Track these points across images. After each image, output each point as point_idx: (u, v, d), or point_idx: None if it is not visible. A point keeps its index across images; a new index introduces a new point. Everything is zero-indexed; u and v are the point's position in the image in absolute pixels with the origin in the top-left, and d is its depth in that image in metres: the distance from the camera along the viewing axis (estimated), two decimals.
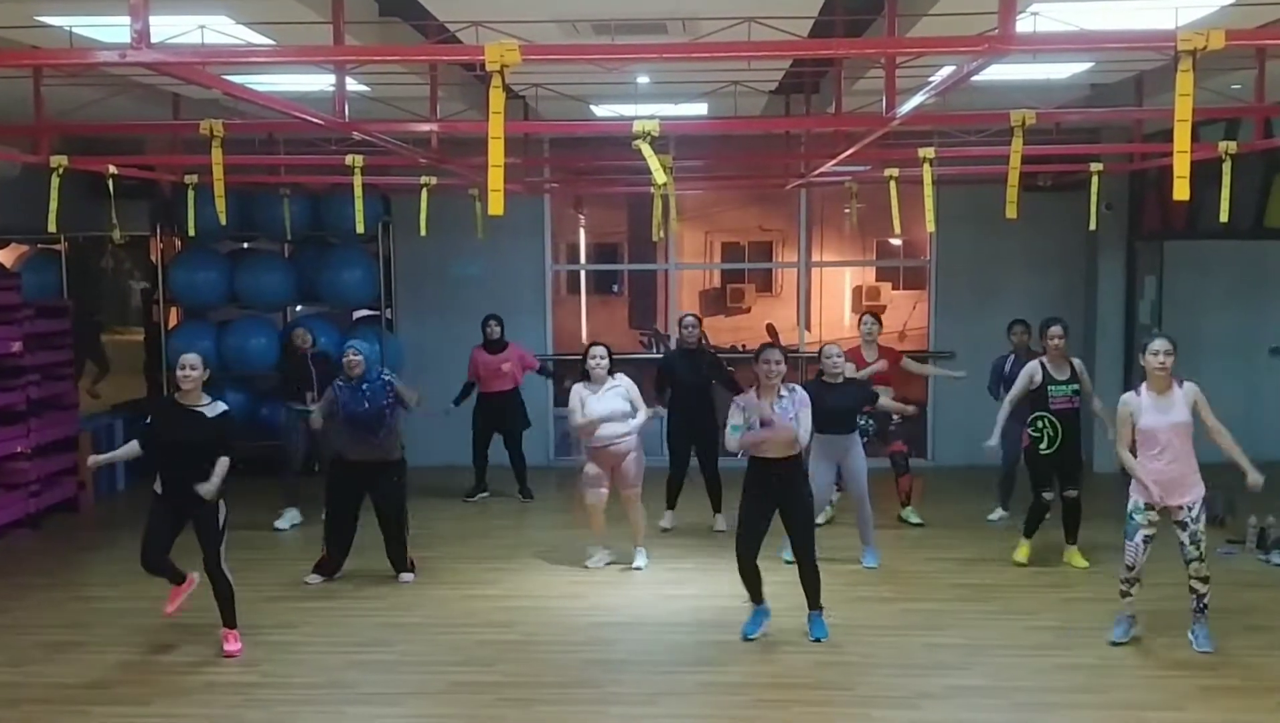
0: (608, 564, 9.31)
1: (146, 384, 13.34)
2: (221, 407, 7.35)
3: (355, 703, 6.70)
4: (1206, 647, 7.23)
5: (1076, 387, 8.98)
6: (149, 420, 7.55)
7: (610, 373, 9.07)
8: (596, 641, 7.72)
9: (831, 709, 6.57)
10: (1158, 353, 7.06)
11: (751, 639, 7.56)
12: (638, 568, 9.22)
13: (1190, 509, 7.11)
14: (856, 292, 20.13)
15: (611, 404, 8.97)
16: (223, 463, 7.17)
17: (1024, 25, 5.72)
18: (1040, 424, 8.99)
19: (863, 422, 10.20)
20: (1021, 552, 9.28)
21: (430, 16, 7.11)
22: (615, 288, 20.36)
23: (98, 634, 7.87)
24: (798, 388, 7.54)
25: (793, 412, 7.35)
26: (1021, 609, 8.22)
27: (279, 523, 10.68)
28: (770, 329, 16.20)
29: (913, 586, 8.86)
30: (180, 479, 7.16)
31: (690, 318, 10.62)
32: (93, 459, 7.78)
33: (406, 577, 9.00)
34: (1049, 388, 8.95)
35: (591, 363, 9.02)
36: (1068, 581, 8.89)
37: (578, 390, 9.08)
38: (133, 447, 7.58)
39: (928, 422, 13.37)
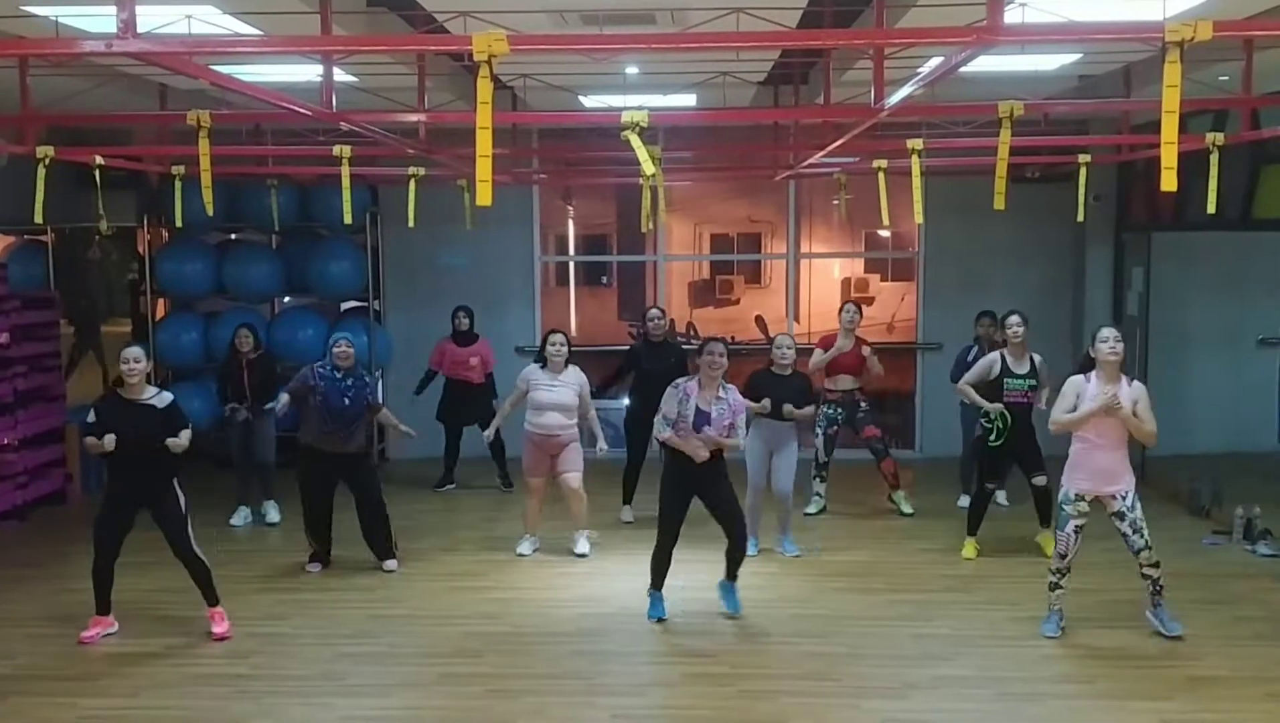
0: (535, 551, 9.42)
1: None
2: (168, 396, 7.44)
3: (344, 695, 6.69)
4: (1176, 629, 7.28)
5: (1034, 382, 8.96)
6: (92, 419, 7.41)
7: (568, 364, 9.15)
8: (584, 632, 7.73)
9: (819, 700, 6.58)
10: (1107, 340, 7.12)
11: (663, 621, 7.76)
12: (582, 555, 9.29)
13: (1124, 498, 7.17)
14: (845, 283, 20.15)
15: (560, 396, 9.06)
16: (185, 433, 7.32)
17: (1012, 16, 5.72)
18: (992, 416, 9.02)
19: (830, 410, 10.26)
20: (968, 548, 9.30)
21: (418, 6, 7.10)
22: (604, 279, 20.37)
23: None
24: (732, 389, 7.66)
25: (729, 418, 7.49)
26: (1008, 600, 8.24)
27: (233, 520, 10.59)
28: (759, 321, 16.24)
29: (900, 577, 8.88)
30: (136, 473, 7.24)
31: (656, 311, 10.65)
32: (90, 441, 7.42)
33: (390, 564, 9.01)
34: (1005, 380, 8.96)
35: (551, 350, 9.08)
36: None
37: (529, 373, 9.17)
38: (109, 439, 7.26)
39: (915, 413, 13.40)
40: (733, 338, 16.09)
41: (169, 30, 6.49)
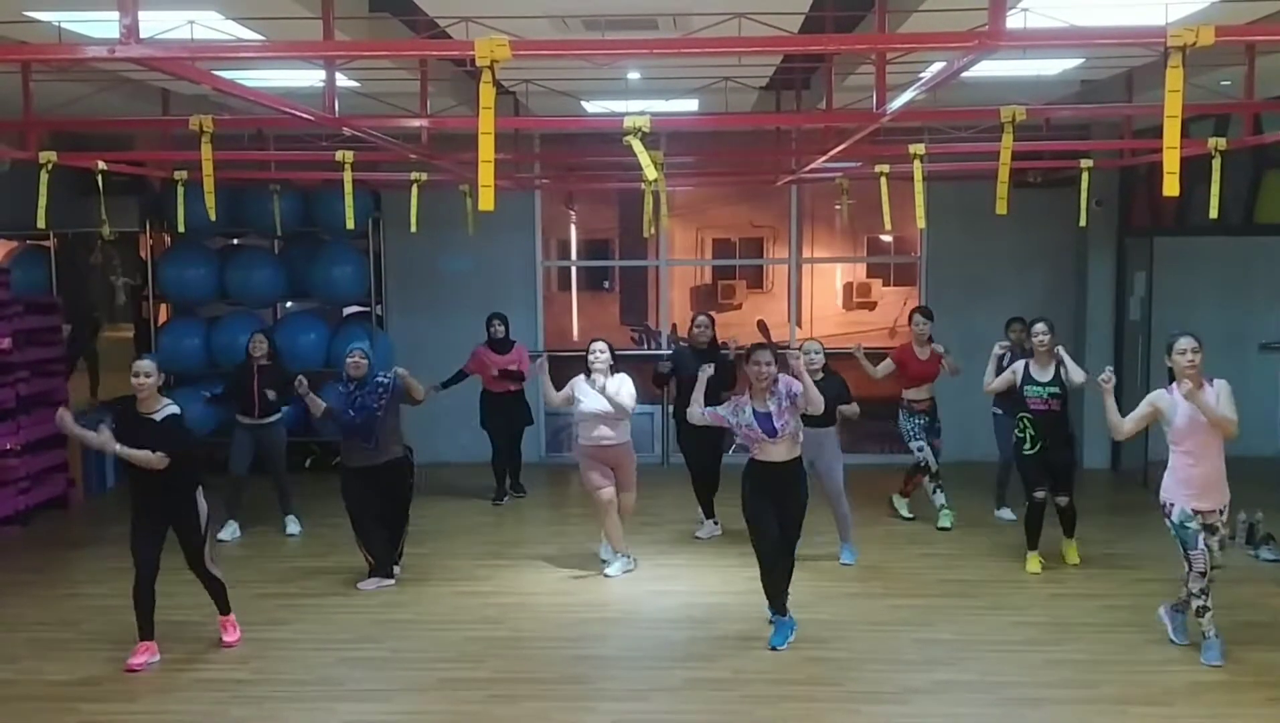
0: (627, 572, 9.06)
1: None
2: (171, 410, 7.14)
3: (345, 700, 6.69)
4: (1181, 639, 7.26)
5: (1056, 390, 8.84)
6: (114, 426, 7.29)
7: (614, 370, 8.86)
8: (586, 637, 7.73)
9: (820, 705, 6.57)
10: (1185, 351, 6.82)
11: (778, 650, 7.40)
12: (609, 575, 9.00)
13: (1221, 513, 7.01)
14: (847, 288, 20.17)
15: (599, 405, 8.76)
16: (145, 455, 6.93)
17: (1014, 21, 5.72)
18: (1023, 424, 8.98)
19: (921, 420, 10.25)
20: (1031, 563, 9.06)
21: (420, 11, 7.10)
22: (606, 284, 20.36)
23: (87, 631, 7.86)
24: (780, 377, 7.39)
25: (788, 400, 7.25)
26: (1010, 605, 8.24)
27: (221, 534, 10.03)
28: (761, 326, 16.24)
29: (902, 582, 8.87)
30: (152, 488, 7.08)
31: (704, 318, 10.43)
32: (62, 412, 7.32)
33: (386, 582, 8.79)
34: (1025, 388, 8.91)
35: (592, 358, 8.83)
36: (1057, 577, 8.90)
37: (577, 382, 8.93)
38: (101, 437, 7.12)
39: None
40: (734, 342, 16.10)
41: (171, 36, 6.50)
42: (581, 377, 8.93)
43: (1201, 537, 6.97)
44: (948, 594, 8.53)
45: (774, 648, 7.37)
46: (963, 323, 12.73)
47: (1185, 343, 6.84)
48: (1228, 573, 8.85)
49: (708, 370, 7.88)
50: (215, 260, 13.00)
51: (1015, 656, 7.26)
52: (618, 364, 8.98)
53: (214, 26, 6.78)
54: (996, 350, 9.57)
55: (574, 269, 18.98)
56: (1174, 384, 6.94)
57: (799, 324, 14.36)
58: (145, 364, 7.14)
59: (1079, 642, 7.45)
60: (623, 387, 8.84)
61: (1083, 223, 9.47)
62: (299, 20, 6.52)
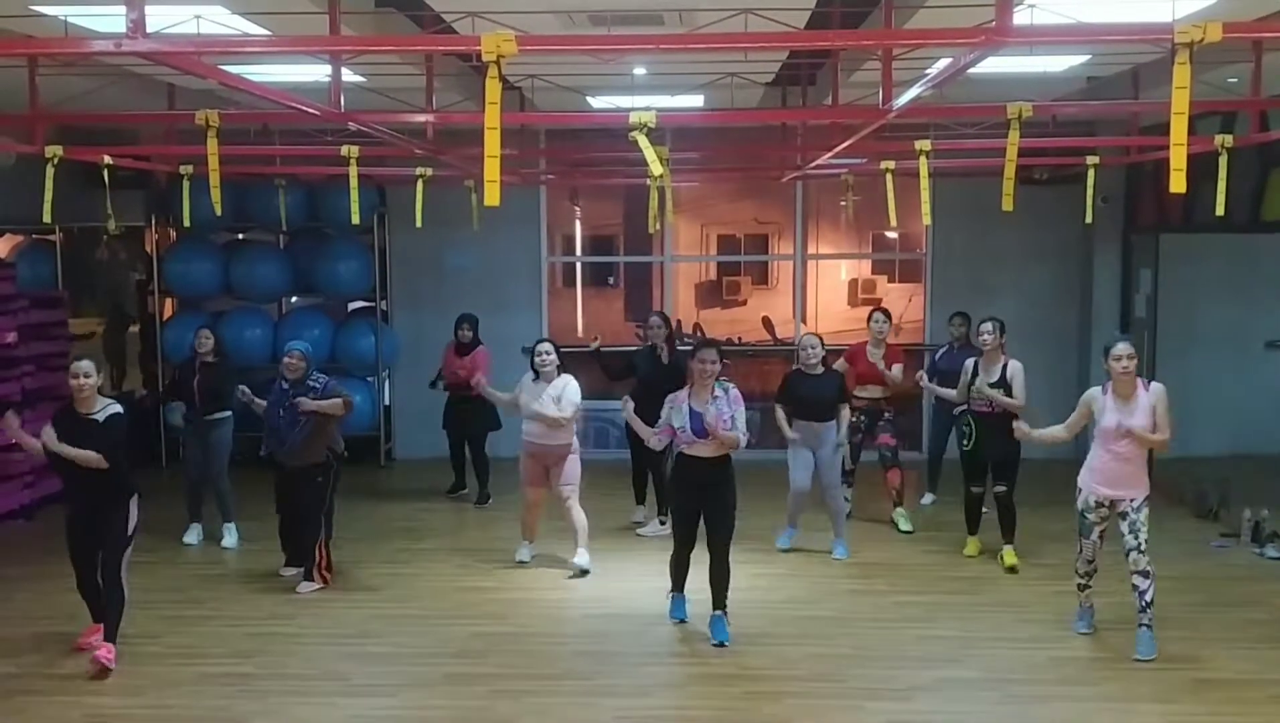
0: (532, 557, 9.23)
1: (142, 375, 13.33)
2: (113, 410, 7.02)
3: (348, 695, 6.70)
4: (1148, 654, 7.07)
5: (1001, 391, 8.78)
6: (52, 430, 7.12)
7: (561, 371, 8.93)
8: (589, 633, 7.73)
9: (823, 702, 6.57)
10: (1120, 358, 6.96)
11: (684, 622, 7.71)
12: (583, 571, 8.94)
13: (1133, 501, 7.09)
14: (852, 284, 20.17)
15: (534, 404, 8.84)
16: (86, 454, 6.81)
17: (1021, 17, 5.71)
18: (967, 421, 9.08)
19: (854, 418, 10.16)
20: (969, 547, 9.35)
21: (426, 7, 7.10)
22: (611, 280, 20.37)
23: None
24: (731, 387, 7.46)
25: (727, 414, 7.26)
26: (1013, 602, 8.24)
27: (185, 537, 9.88)
28: (766, 322, 16.24)
29: (905, 578, 8.87)
30: (86, 489, 6.98)
31: (656, 318, 10.37)
32: (9, 416, 7.20)
33: (305, 587, 8.52)
34: (971, 388, 8.96)
35: (538, 361, 8.90)
36: (1060, 574, 8.87)
37: (524, 379, 9.03)
38: (41, 443, 7.02)
39: (921, 415, 13.37)
40: (739, 339, 16.12)
41: (178, 30, 6.50)
42: (528, 375, 9.03)
43: (1096, 531, 7.20)
44: (951, 591, 8.52)
45: (679, 621, 7.73)
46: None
47: (1122, 349, 7.02)
48: (1233, 571, 8.87)
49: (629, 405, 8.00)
50: (220, 255, 13.01)
51: (1018, 652, 7.25)
52: (565, 363, 9.03)
53: (220, 21, 6.78)
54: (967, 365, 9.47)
55: (579, 265, 19.00)
56: (1108, 383, 7.09)
57: (804, 321, 14.35)
58: (85, 365, 7.04)
59: (1082, 639, 7.45)
60: (565, 392, 8.85)
61: (1089, 220, 9.46)
62: (305, 15, 6.53)
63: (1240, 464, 7.83)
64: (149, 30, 4.87)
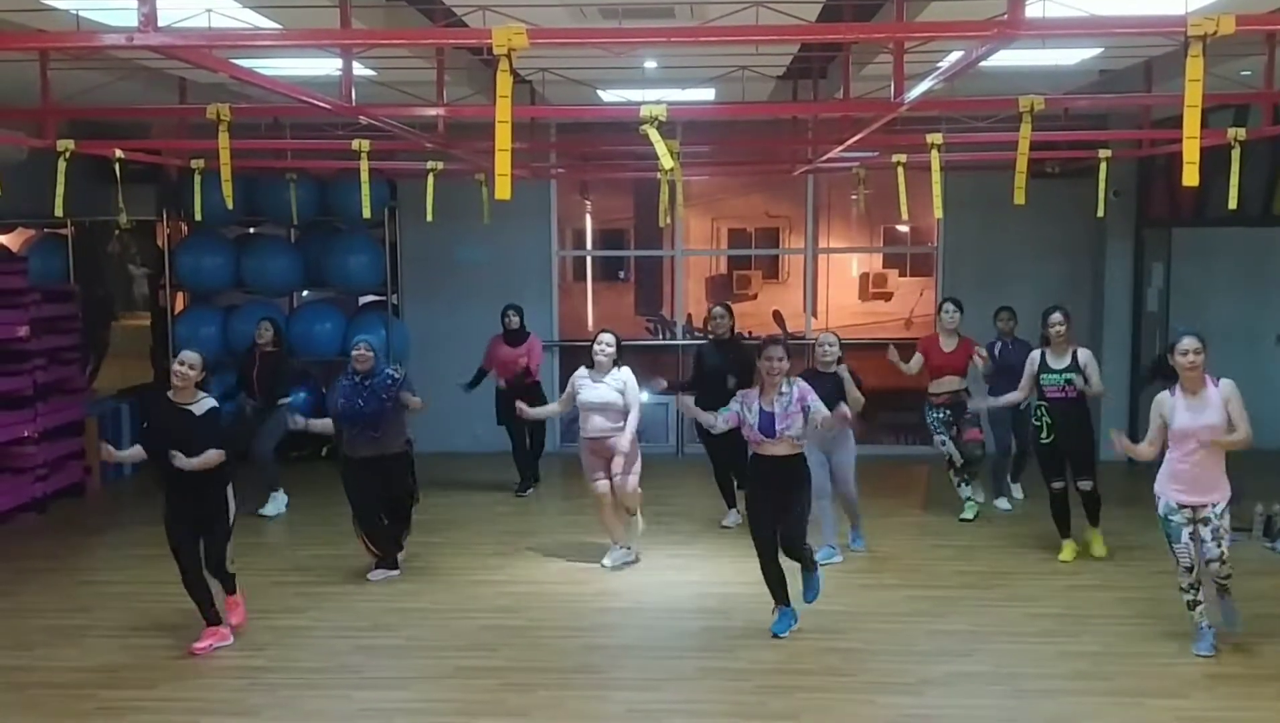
0: (626, 564, 9.02)
1: (153, 370, 13.36)
2: (208, 403, 7.14)
3: (360, 687, 6.71)
4: (1236, 626, 7.17)
5: (1072, 376, 8.80)
6: (145, 423, 7.32)
7: (617, 364, 8.81)
8: (600, 626, 7.74)
9: (835, 695, 6.57)
10: (1186, 352, 6.77)
11: (781, 637, 7.41)
12: (633, 560, 9.03)
13: (1215, 506, 6.91)
14: (863, 278, 20.13)
15: (604, 395, 8.72)
16: (210, 453, 6.99)
17: (1033, 10, 5.68)
18: (1039, 413, 8.97)
19: (939, 414, 10.10)
20: (1065, 551, 9.09)
21: (437, 0, 7.09)
22: (621, 274, 20.36)
23: (103, 618, 7.89)
24: (797, 381, 7.37)
25: (794, 409, 7.20)
26: (1025, 596, 8.22)
27: (265, 510, 10.58)
28: (777, 316, 16.22)
29: (917, 572, 8.86)
30: (185, 481, 7.02)
31: (720, 309, 10.35)
32: (107, 451, 7.43)
33: (390, 573, 8.73)
34: (1042, 376, 8.89)
35: (597, 349, 8.79)
36: (1072, 568, 8.88)
37: (578, 375, 8.92)
38: (138, 451, 7.41)
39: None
40: (750, 333, 16.09)
41: (189, 24, 6.50)
42: (582, 369, 8.91)
43: (1186, 532, 6.91)
44: (962, 586, 8.51)
45: (775, 635, 7.39)
46: (979, 313, 12.68)
47: (1188, 343, 6.82)
48: (1244, 565, 8.82)
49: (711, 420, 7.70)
50: (232, 249, 13.04)
51: (1029, 647, 7.24)
52: (625, 355, 8.96)
53: (231, 15, 6.78)
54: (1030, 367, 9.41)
55: (589, 259, 18.98)
56: (1177, 385, 6.90)
57: (814, 315, 14.33)
58: (192, 356, 7.12)
59: (1094, 634, 7.43)
60: (629, 383, 8.79)
61: (1100, 213, 9.43)
62: (316, 8, 6.53)
63: (1252, 459, 7.78)
64: (160, 24, 4.87)
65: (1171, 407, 6.90)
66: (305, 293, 13.87)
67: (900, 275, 19.80)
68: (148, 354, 13.43)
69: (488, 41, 4.69)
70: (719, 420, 7.50)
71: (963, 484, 10.35)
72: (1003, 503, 10.73)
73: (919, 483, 11.86)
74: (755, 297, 19.97)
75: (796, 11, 6.85)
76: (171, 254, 13.04)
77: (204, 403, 7.13)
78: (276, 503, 10.60)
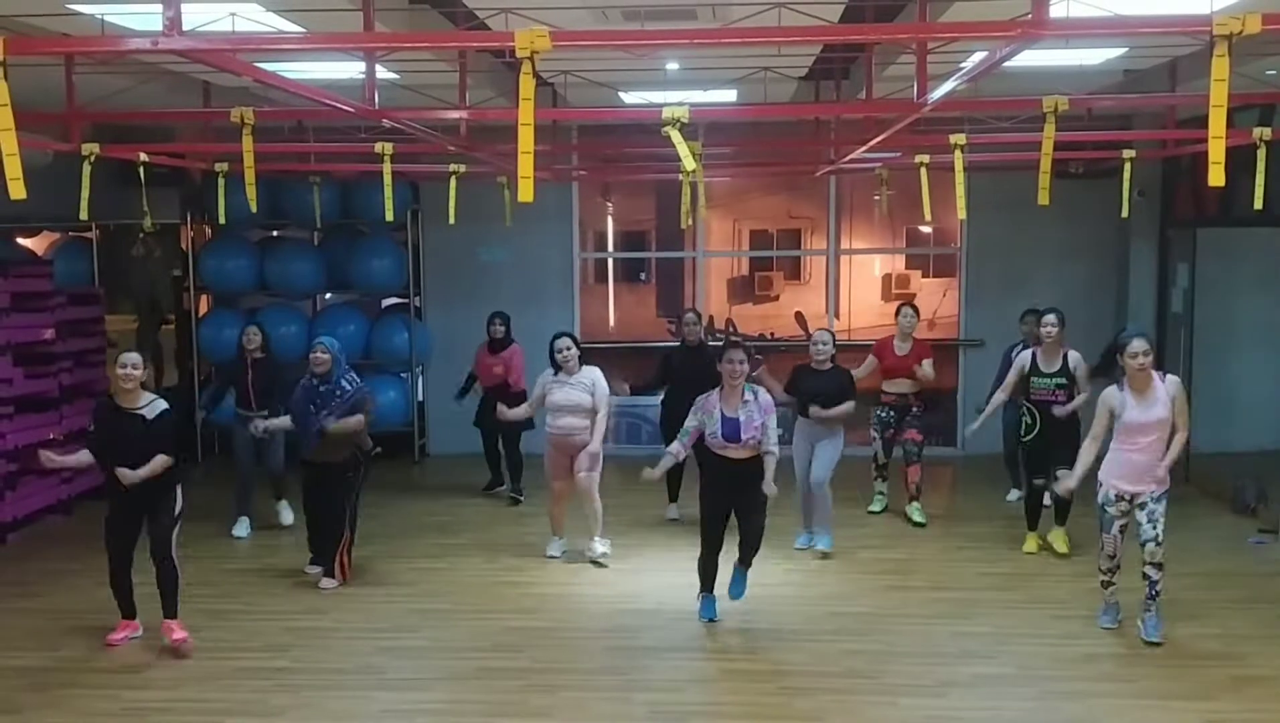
0: (564, 552, 9.27)
1: (178, 371, 13.43)
2: (160, 406, 7.11)
3: (384, 688, 6.73)
4: (1154, 636, 7.20)
5: (1063, 381, 8.90)
6: (92, 427, 7.28)
7: (583, 364, 9.03)
8: (623, 628, 7.73)
9: (858, 698, 6.55)
10: (1136, 355, 7.02)
11: (714, 621, 7.69)
12: (601, 557, 9.13)
13: (1152, 492, 7.13)
14: (886, 279, 20.06)
15: (573, 397, 8.92)
16: (158, 460, 6.99)
17: (1057, 10, 5.67)
18: (1025, 410, 9.07)
19: (883, 413, 10.19)
20: (1028, 542, 9.32)
21: (459, 3, 7.12)
22: (643, 276, 20.36)
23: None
24: (760, 391, 7.51)
25: (758, 420, 7.33)
26: (1049, 598, 8.19)
27: (235, 531, 10.10)
28: (799, 317, 16.19)
29: (940, 575, 8.84)
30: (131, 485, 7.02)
31: (692, 315, 10.50)
32: (46, 456, 7.33)
33: (326, 582, 8.53)
34: (1032, 379, 9.00)
35: (558, 357, 8.95)
36: (1096, 570, 8.82)
37: (546, 377, 9.09)
38: (84, 456, 7.32)
39: (957, 411, 13.31)
40: (772, 334, 16.08)
41: (213, 28, 6.54)
42: (550, 370, 9.08)
43: (1118, 524, 7.24)
44: (986, 587, 8.48)
45: (710, 620, 7.68)
46: (1002, 314, 12.64)
47: (1137, 345, 7.06)
48: (1271, 567, 8.79)
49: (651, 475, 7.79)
50: (255, 252, 13.09)
51: (1053, 649, 7.21)
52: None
53: (255, 19, 6.82)
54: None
55: (611, 261, 18.99)
56: (1124, 380, 7.14)
57: (837, 316, 14.30)
58: (133, 356, 7.10)
59: (1118, 635, 7.40)
60: (597, 383, 8.99)
61: (1125, 214, 9.39)
62: (339, 12, 6.56)
63: (1271, 460, 7.75)
64: (185, 28, 4.90)
65: (1121, 402, 7.15)
66: (328, 296, 13.91)
67: (923, 276, 19.73)
68: (172, 357, 13.51)
69: (510, 44, 4.70)
70: (678, 448, 7.69)
71: (879, 479, 10.55)
72: (1013, 495, 10.84)
73: (941, 485, 11.81)
74: (777, 298, 19.94)
75: (819, 12, 6.84)
76: (195, 257, 13.10)
77: (155, 406, 7.10)
78: (287, 512, 10.37)
